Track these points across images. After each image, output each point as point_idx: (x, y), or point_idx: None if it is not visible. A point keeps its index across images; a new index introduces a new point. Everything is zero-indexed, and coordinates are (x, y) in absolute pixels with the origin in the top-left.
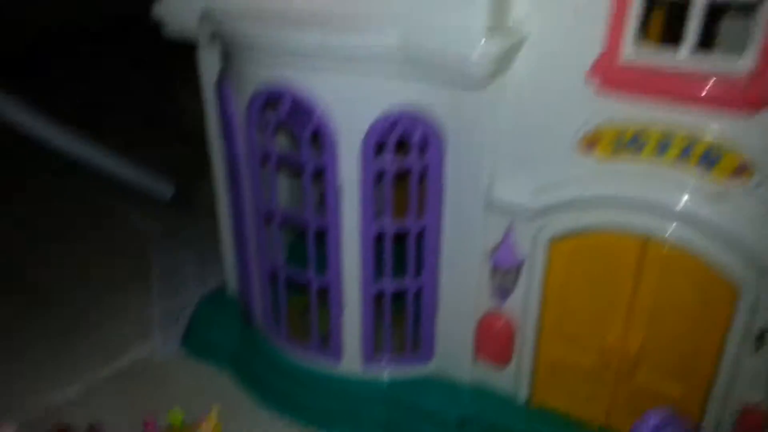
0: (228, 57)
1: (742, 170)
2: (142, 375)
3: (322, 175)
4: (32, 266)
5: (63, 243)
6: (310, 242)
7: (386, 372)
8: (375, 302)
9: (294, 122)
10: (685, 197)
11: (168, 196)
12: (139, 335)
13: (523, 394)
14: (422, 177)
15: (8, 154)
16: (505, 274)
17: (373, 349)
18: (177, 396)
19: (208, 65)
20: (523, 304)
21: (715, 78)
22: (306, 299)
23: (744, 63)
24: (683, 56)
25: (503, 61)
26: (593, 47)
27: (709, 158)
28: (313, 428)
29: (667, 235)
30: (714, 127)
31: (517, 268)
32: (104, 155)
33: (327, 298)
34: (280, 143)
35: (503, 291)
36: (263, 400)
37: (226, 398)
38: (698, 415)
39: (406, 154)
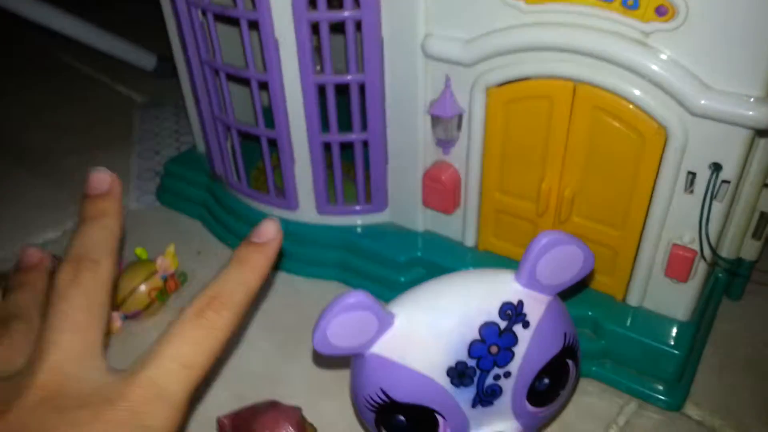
0: None
1: (663, 11)
2: None
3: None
4: (21, 130)
5: (52, 109)
6: (255, 95)
7: (342, 220)
8: (325, 154)
9: None
10: (611, 41)
11: (150, 67)
12: None
13: (470, 239)
14: (359, 29)
15: None
16: (446, 124)
17: (326, 199)
18: (150, 239)
19: None
20: (467, 155)
21: None
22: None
23: None
24: None
25: None
26: None
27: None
28: (274, 269)
29: (595, 80)
30: None
31: (458, 119)
32: (90, 30)
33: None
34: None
35: (446, 142)
36: (232, 244)
37: (196, 242)
38: (632, 254)
39: (341, 8)
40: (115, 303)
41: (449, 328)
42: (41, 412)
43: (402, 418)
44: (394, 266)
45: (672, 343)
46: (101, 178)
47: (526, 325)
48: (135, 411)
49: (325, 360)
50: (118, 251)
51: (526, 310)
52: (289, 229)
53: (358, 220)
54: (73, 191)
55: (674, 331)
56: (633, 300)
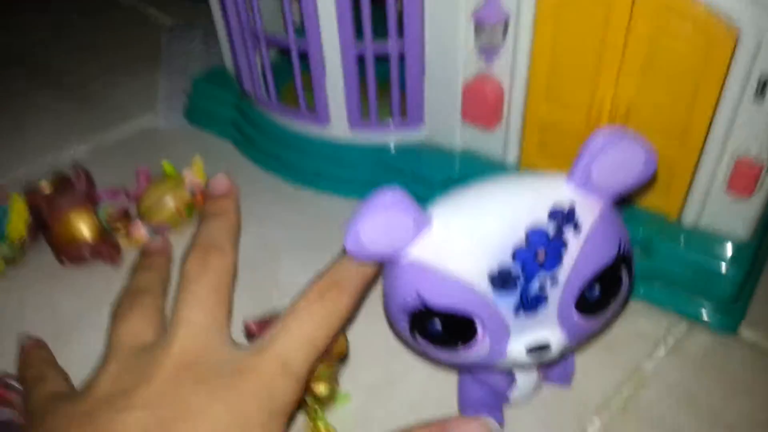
0: None
1: None
2: (146, 141)
3: None
4: (50, 51)
5: (80, 33)
6: (285, 2)
7: (376, 137)
8: (358, 66)
9: None
10: None
11: None
12: (145, 108)
13: (512, 157)
14: None
15: None
16: (491, 31)
17: (359, 114)
18: (178, 158)
19: None
20: (512, 64)
21: None
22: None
23: None
24: None
25: None
26: None
27: None
28: (304, 187)
29: None
30: None
31: (504, 24)
32: None
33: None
34: None
35: (490, 50)
36: (260, 163)
37: (226, 161)
38: (691, 169)
39: None
40: (139, 213)
41: (492, 230)
42: (179, 380)
43: (438, 324)
44: (430, 185)
45: (729, 262)
46: (222, 181)
47: (577, 230)
48: (265, 383)
49: None
50: (238, 244)
51: (578, 214)
52: (320, 147)
53: (392, 138)
54: (99, 111)
55: (732, 249)
56: (688, 218)
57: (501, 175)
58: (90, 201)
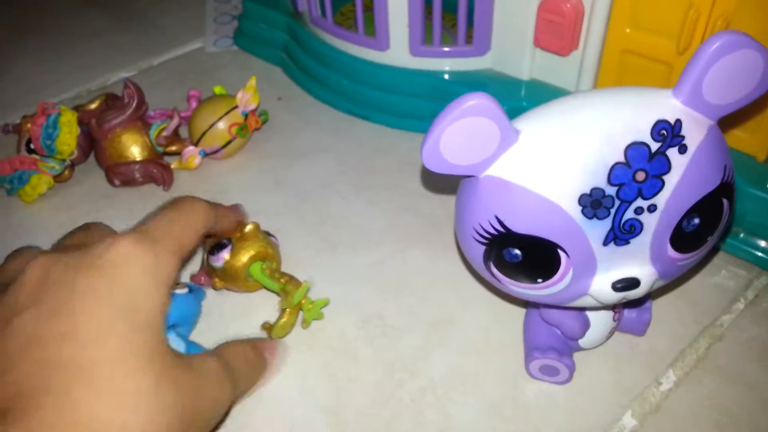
0: None
1: None
2: (194, 64)
3: None
4: None
5: None
6: None
7: (436, 64)
8: None
9: None
10: None
11: None
12: (193, 32)
13: (585, 88)
14: None
15: None
16: None
17: (422, 38)
18: (227, 83)
19: None
20: None
21: None
22: None
23: None
24: None
25: None
26: None
27: None
28: (357, 117)
29: None
30: None
31: None
32: None
33: None
34: None
35: None
36: (311, 90)
37: (276, 88)
38: None
39: None
40: (193, 139)
41: (587, 147)
42: (48, 277)
43: (518, 252)
44: None
45: None
46: None
47: (682, 149)
48: (134, 253)
49: (411, 208)
50: None
51: (684, 131)
52: (376, 73)
53: (455, 65)
54: (147, 35)
55: None
56: None
57: (599, 89)
58: (141, 120)
